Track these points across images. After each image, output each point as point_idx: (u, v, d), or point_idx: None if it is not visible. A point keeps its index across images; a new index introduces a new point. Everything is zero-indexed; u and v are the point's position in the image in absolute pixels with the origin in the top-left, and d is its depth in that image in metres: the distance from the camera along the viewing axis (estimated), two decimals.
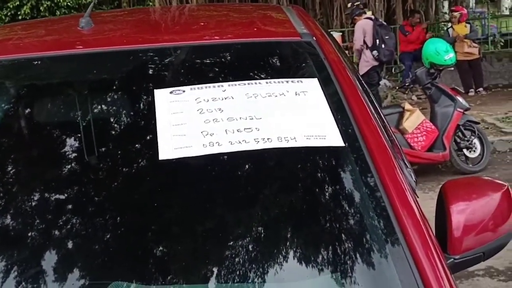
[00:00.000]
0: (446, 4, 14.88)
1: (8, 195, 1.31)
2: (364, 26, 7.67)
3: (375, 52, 7.50)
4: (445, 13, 14.34)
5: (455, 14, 10.24)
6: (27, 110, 1.51)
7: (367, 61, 7.61)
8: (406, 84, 6.62)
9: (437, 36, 10.57)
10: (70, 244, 1.21)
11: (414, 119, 5.88)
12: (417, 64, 8.04)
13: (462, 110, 5.97)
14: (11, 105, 1.51)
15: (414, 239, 1.12)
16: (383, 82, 8.30)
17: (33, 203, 1.29)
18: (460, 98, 6.06)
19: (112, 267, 1.19)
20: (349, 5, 8.72)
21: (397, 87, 8.26)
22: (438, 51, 6.07)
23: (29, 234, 1.23)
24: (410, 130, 5.84)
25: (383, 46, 7.49)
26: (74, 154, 1.35)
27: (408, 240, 1.12)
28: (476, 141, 6.05)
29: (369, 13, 7.89)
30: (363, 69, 7.63)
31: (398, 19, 11.61)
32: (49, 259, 1.18)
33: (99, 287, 1.14)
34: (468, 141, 6.03)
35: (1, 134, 1.46)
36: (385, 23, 7.74)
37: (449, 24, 10.91)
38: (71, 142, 1.39)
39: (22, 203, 1.29)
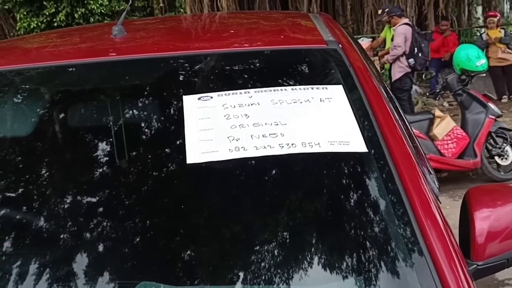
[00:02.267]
0: (479, 9, 14.69)
1: (43, 198, 1.36)
2: (405, 32, 7.52)
3: (411, 60, 7.40)
4: (478, 18, 14.15)
5: (494, 19, 10.02)
6: (62, 116, 1.57)
7: (401, 67, 7.52)
8: (437, 91, 6.56)
9: (470, 42, 10.44)
10: (100, 245, 1.26)
11: (444, 126, 5.83)
12: (448, 70, 7.94)
13: (494, 117, 5.89)
14: (46, 110, 1.57)
15: (435, 245, 1.13)
16: (414, 88, 8.24)
17: (67, 206, 1.34)
18: (491, 105, 5.98)
19: (140, 268, 1.23)
20: (379, 11, 8.68)
21: (427, 94, 8.19)
22: (469, 57, 6.01)
23: (62, 235, 1.28)
24: (440, 137, 5.79)
25: (420, 54, 7.40)
26: (106, 158, 1.40)
27: (429, 246, 1.13)
28: (508, 149, 5.96)
29: (406, 20, 7.81)
30: (396, 74, 7.55)
31: (430, 24, 11.51)
32: (80, 259, 1.23)
33: (128, 286, 1.18)
34: (500, 148, 5.95)
35: (37, 139, 1.52)
36: (419, 30, 7.67)
37: (482, 30, 10.76)
38: (103, 146, 1.44)
39: (56, 205, 1.34)
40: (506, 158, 5.96)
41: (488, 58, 8.64)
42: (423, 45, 7.49)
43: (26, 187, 1.39)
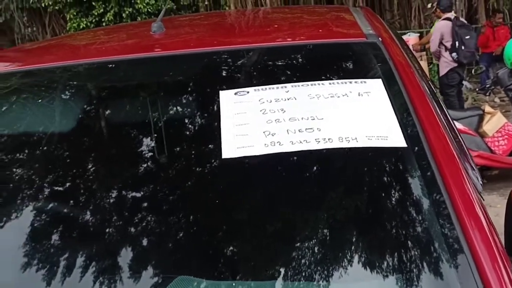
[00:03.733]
0: None
1: (86, 193, 1.39)
2: (441, 29, 7.46)
3: (454, 54, 7.28)
4: None
5: None
6: (104, 111, 1.60)
7: (446, 62, 7.42)
8: (487, 86, 6.37)
9: None
10: (140, 239, 1.27)
11: (495, 122, 5.66)
12: (499, 65, 7.70)
13: None
14: (89, 106, 1.60)
15: (477, 243, 1.09)
16: (464, 83, 8.04)
17: (108, 200, 1.36)
18: None
19: (179, 262, 1.24)
20: (428, 5, 8.51)
21: (477, 89, 7.97)
22: None
23: (104, 230, 1.30)
24: (490, 133, 5.62)
25: (462, 47, 7.25)
26: (146, 152, 1.42)
27: (470, 244, 1.09)
28: None
29: (449, 14, 7.63)
30: (443, 70, 7.46)
31: (480, 18, 11.19)
32: (120, 253, 1.24)
33: (166, 280, 1.19)
34: None
35: (82, 133, 1.55)
36: (466, 23, 7.46)
37: None
38: (144, 140, 1.46)
39: (98, 200, 1.36)
40: None
41: None
42: (467, 37, 7.29)
43: (72, 181, 1.42)
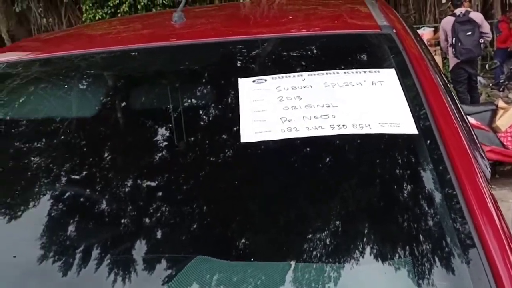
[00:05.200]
0: None
1: (108, 177, 1.45)
2: (445, 25, 7.60)
3: (453, 50, 7.39)
4: None
5: None
6: (125, 99, 1.66)
7: (451, 58, 7.58)
8: (501, 81, 6.38)
9: None
10: (161, 221, 1.33)
11: (508, 117, 5.66)
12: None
13: None
14: (112, 93, 1.66)
15: (486, 231, 1.12)
16: (478, 79, 8.03)
17: (130, 184, 1.42)
18: None
19: (197, 243, 1.29)
20: (444, 0, 8.50)
21: (491, 84, 7.95)
22: None
23: (126, 213, 1.36)
24: (503, 128, 5.62)
25: (459, 44, 7.31)
26: (167, 136, 1.48)
27: (480, 233, 1.12)
28: None
29: (458, 10, 7.61)
30: (451, 65, 7.59)
31: (496, 13, 11.13)
32: (141, 234, 1.30)
33: (184, 260, 1.25)
34: None
35: (102, 121, 1.61)
36: (471, 18, 7.42)
37: None
38: (165, 125, 1.52)
39: (120, 185, 1.42)
40: None
41: None
42: (468, 33, 7.30)
43: (95, 165, 1.48)
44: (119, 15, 10.55)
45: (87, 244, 1.29)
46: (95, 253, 1.26)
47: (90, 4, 10.91)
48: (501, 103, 5.88)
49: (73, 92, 1.72)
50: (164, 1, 10.41)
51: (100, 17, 10.73)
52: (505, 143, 5.59)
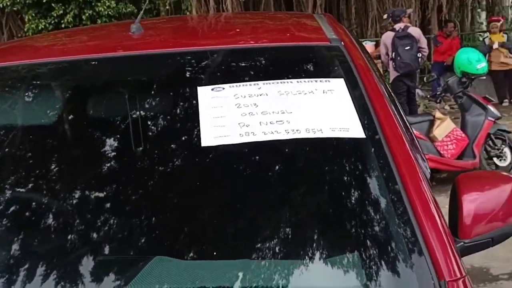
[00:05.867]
0: (483, 14, 14.80)
1: (64, 184, 1.48)
2: (384, 40, 7.98)
3: (393, 64, 7.73)
4: (481, 23, 14.27)
5: (497, 23, 10.17)
6: (84, 108, 1.71)
7: (392, 71, 7.93)
8: (438, 93, 6.69)
9: (473, 46, 10.57)
10: (119, 222, 1.39)
11: (444, 127, 5.96)
12: (450, 74, 8.07)
13: (493, 119, 6.02)
14: (73, 101, 1.71)
15: (425, 222, 1.25)
16: (416, 91, 8.38)
17: (90, 189, 1.46)
18: (491, 107, 6.11)
19: (155, 244, 1.36)
20: (384, 16, 8.84)
21: (429, 96, 8.31)
22: (470, 60, 6.15)
23: (83, 213, 1.41)
24: (440, 138, 5.91)
25: (398, 58, 7.67)
26: (127, 143, 1.54)
27: (420, 223, 1.25)
28: (506, 150, 6.09)
29: (398, 25, 7.95)
30: (390, 78, 7.92)
31: (433, 29, 11.64)
32: (99, 236, 1.35)
33: (143, 261, 1.29)
34: (498, 149, 6.08)
35: (57, 131, 1.65)
36: (409, 33, 7.78)
37: (485, 34, 10.88)
38: (125, 133, 1.58)
39: (78, 190, 1.46)
40: (504, 160, 6.08)
41: (490, 62, 8.77)
42: (407, 48, 7.68)
43: (44, 177, 1.52)
44: (62, 25, 10.41)
45: (50, 246, 1.33)
46: (54, 256, 1.30)
47: (33, 14, 10.73)
48: (438, 114, 6.18)
49: (29, 103, 1.76)
50: (109, 12, 10.36)
51: (43, 27, 10.57)
52: (441, 152, 5.87)
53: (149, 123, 1.59)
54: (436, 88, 8.44)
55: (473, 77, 6.19)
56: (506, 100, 9.89)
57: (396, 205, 1.30)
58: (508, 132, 6.30)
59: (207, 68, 1.73)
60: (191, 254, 1.31)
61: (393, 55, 7.71)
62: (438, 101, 7.06)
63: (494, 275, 3.83)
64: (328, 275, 1.22)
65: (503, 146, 6.09)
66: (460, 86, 6.17)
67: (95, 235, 1.36)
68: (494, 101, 8.52)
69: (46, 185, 1.49)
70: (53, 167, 1.53)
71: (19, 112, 1.71)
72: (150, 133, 1.57)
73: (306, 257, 1.25)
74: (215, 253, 1.31)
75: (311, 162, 1.48)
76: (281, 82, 1.58)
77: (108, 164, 1.51)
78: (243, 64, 1.76)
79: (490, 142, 6.07)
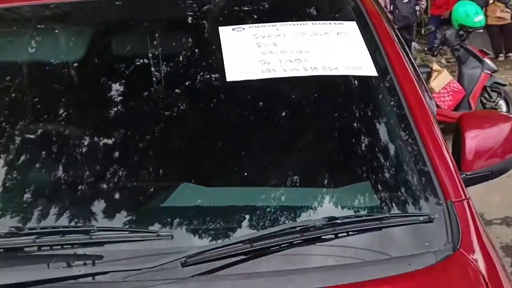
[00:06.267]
0: None
1: (100, 111, 1.59)
2: None
3: (390, 17, 7.77)
4: None
5: None
6: (114, 44, 1.81)
7: None
8: (435, 46, 6.75)
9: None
10: (152, 150, 1.50)
11: (441, 79, 6.05)
12: (447, 27, 8.11)
13: (489, 72, 6.11)
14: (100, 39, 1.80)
15: (433, 150, 1.38)
16: (413, 44, 8.43)
17: (128, 121, 1.56)
18: (487, 60, 6.19)
19: (183, 171, 1.48)
20: None
21: (425, 49, 8.37)
22: (467, 13, 6.19)
23: (118, 144, 1.52)
24: (437, 89, 6.01)
25: (397, 11, 7.71)
26: (156, 78, 1.65)
27: (428, 151, 1.38)
28: (502, 103, 6.20)
29: None
30: None
31: None
32: (132, 162, 1.48)
33: (171, 186, 1.41)
34: (494, 102, 6.19)
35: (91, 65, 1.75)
36: None
37: None
38: (153, 70, 1.67)
39: (116, 118, 1.57)
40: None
41: (486, 16, 8.77)
42: (405, 1, 7.70)
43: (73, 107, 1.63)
44: None
45: (87, 174, 1.44)
46: (90, 181, 1.42)
47: None
48: (435, 66, 6.27)
49: (55, 39, 1.84)
50: None
51: None
52: (438, 103, 5.98)
53: (179, 59, 1.70)
54: (433, 41, 8.48)
55: (470, 30, 6.24)
56: (502, 54, 9.95)
57: (407, 135, 1.42)
58: (504, 85, 6.40)
59: (228, 10, 1.82)
60: (217, 181, 1.43)
61: (391, 8, 7.74)
62: (435, 54, 7.12)
63: (488, 220, 4.00)
64: (346, 200, 1.35)
65: (498, 98, 6.20)
66: (457, 39, 6.23)
67: (130, 161, 1.48)
68: (491, 54, 8.61)
69: (86, 116, 1.60)
70: (90, 99, 1.64)
71: (47, 49, 1.80)
72: (180, 69, 1.67)
73: (328, 183, 1.38)
74: (240, 180, 1.42)
75: (330, 97, 1.59)
76: (297, 24, 1.67)
77: (140, 96, 1.61)
78: (261, 7, 1.85)
79: (486, 95, 6.18)
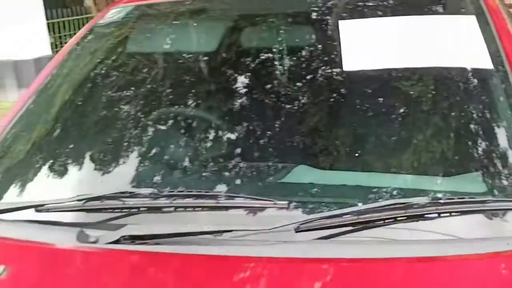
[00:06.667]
0: None
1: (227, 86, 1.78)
2: None
3: None
4: None
5: None
6: (241, 36, 2.01)
7: None
8: None
9: None
10: (270, 133, 1.62)
11: None
12: None
13: None
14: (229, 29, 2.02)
15: None
16: None
17: (251, 101, 1.71)
18: None
19: (300, 153, 1.59)
20: None
21: None
22: None
23: (242, 113, 1.68)
24: None
25: None
26: (283, 66, 1.80)
27: None
28: None
29: None
30: None
31: None
32: (252, 142, 1.61)
33: (287, 168, 1.53)
34: None
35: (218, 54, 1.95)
36: None
37: None
38: (279, 59, 1.83)
39: (239, 95, 1.73)
40: None
41: None
42: None
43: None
44: None
45: (210, 151, 1.61)
46: (220, 159, 1.57)
47: None
48: None
49: (190, 30, 2.07)
50: None
51: None
52: None
53: (305, 47, 1.83)
54: None
55: None
56: None
57: None
58: None
59: (346, 5, 1.95)
60: (331, 164, 1.54)
61: None
62: None
63: None
64: (455, 187, 1.42)
65: None
66: None
67: (256, 144, 1.60)
68: None
69: (227, 98, 1.77)
70: (218, 80, 1.86)
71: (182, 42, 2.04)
72: (305, 58, 1.80)
73: (438, 171, 1.46)
74: (351, 164, 1.51)
75: (446, 88, 1.66)
76: (416, 17, 1.77)
77: (266, 80, 1.76)
78: (379, 1, 1.94)
79: None
